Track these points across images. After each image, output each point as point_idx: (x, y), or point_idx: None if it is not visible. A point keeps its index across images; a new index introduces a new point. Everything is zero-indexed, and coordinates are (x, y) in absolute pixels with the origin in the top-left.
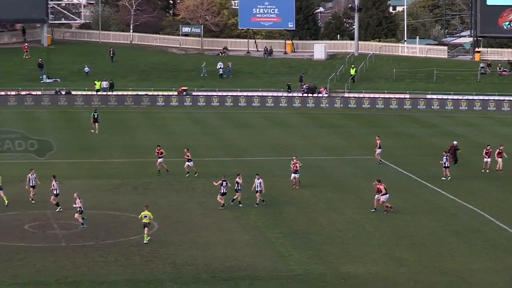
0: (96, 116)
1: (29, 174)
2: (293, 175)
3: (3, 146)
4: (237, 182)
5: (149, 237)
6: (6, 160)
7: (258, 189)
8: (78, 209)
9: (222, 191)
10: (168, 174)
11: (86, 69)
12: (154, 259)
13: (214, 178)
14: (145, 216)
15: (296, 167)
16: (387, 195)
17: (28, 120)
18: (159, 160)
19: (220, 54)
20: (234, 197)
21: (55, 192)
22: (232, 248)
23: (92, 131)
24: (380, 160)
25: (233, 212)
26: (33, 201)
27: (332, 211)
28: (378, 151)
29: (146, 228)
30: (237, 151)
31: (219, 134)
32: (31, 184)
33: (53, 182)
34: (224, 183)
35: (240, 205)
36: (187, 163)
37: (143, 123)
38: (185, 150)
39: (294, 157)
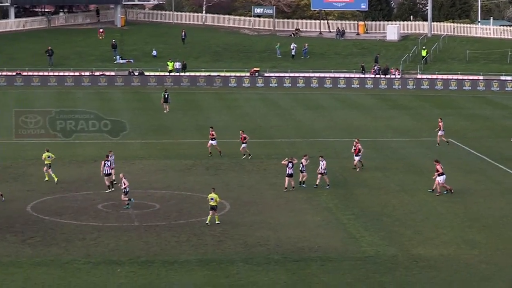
0: (166, 96)
1: (108, 156)
2: (355, 157)
3: (77, 126)
4: (301, 163)
5: (218, 221)
6: (80, 140)
7: (322, 171)
8: (124, 190)
9: (287, 172)
10: (221, 156)
11: (154, 52)
12: (225, 239)
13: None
14: (212, 199)
15: (358, 150)
16: (444, 176)
17: (101, 101)
18: (212, 142)
19: (292, 35)
20: (300, 179)
21: (106, 172)
22: (303, 229)
23: (165, 111)
24: (447, 141)
25: (304, 193)
26: (114, 182)
27: (404, 193)
28: (440, 133)
29: (212, 211)
30: (308, 132)
31: (291, 115)
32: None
33: (107, 160)
34: (290, 164)
35: (304, 186)
36: (243, 145)
37: (215, 104)
38: (240, 132)
39: (356, 140)
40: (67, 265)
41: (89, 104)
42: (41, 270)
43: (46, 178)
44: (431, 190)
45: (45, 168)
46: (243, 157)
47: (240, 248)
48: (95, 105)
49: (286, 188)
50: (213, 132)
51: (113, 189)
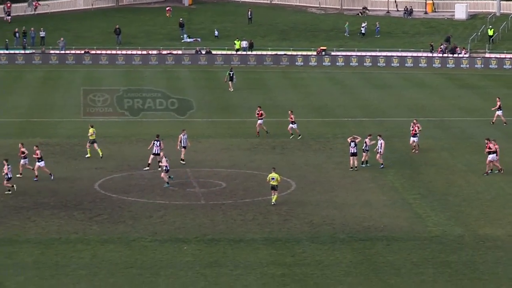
0: (231, 75)
1: (181, 135)
2: (412, 138)
3: (145, 104)
4: (365, 143)
5: (274, 202)
6: (147, 118)
7: (379, 150)
8: (164, 168)
9: (351, 151)
10: (268, 135)
11: (216, 32)
12: (291, 218)
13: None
14: (273, 178)
15: (415, 130)
16: (493, 155)
17: (168, 79)
18: (259, 121)
19: (360, 14)
20: (363, 158)
21: (154, 151)
22: (369, 208)
23: (230, 89)
24: (505, 122)
25: (370, 172)
26: (183, 162)
27: (471, 173)
28: (499, 112)
29: (273, 191)
30: (375, 111)
31: (358, 94)
32: (182, 145)
33: (156, 140)
34: (353, 143)
35: (368, 165)
36: (290, 125)
37: (282, 82)
38: (289, 112)
39: (414, 120)
40: (133, 242)
41: (156, 82)
42: (108, 247)
43: (88, 155)
44: (497, 171)
45: (88, 144)
46: (291, 137)
47: (305, 227)
48: (162, 84)
49: (351, 167)
50: (261, 112)
51: (147, 168)
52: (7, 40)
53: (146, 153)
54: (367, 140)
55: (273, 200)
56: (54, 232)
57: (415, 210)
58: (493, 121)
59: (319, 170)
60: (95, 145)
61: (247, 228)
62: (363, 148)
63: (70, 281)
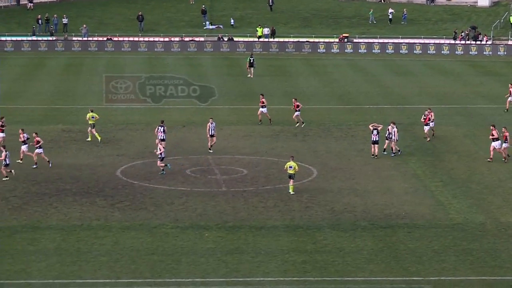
0: (252, 61)
1: (209, 123)
2: (425, 127)
3: (166, 91)
4: (388, 130)
5: (292, 192)
6: (169, 105)
7: (393, 138)
8: (159, 156)
9: (373, 139)
10: (271, 124)
11: (232, 21)
12: (312, 205)
13: None
14: (290, 167)
15: (428, 119)
16: (497, 142)
17: (190, 66)
18: (262, 109)
19: (382, 1)
20: (385, 146)
21: (160, 137)
22: (391, 196)
23: (249, 76)
24: None
25: (392, 160)
26: (210, 151)
27: (493, 161)
28: (510, 99)
29: (291, 180)
30: (397, 98)
31: (380, 81)
32: (210, 133)
33: (161, 126)
34: (375, 131)
35: (384, 153)
36: (296, 113)
37: (304, 69)
38: (293, 100)
39: (428, 109)
40: (155, 229)
41: (178, 69)
42: (129, 234)
43: (89, 139)
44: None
45: (89, 128)
46: (296, 125)
47: (327, 214)
48: (184, 71)
49: (373, 155)
50: (263, 100)
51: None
52: (34, 26)
53: (167, 140)
54: (389, 127)
55: (291, 190)
56: (76, 219)
57: (437, 197)
58: (507, 108)
59: (341, 157)
60: (93, 130)
61: (268, 215)
62: (386, 135)
63: (91, 267)
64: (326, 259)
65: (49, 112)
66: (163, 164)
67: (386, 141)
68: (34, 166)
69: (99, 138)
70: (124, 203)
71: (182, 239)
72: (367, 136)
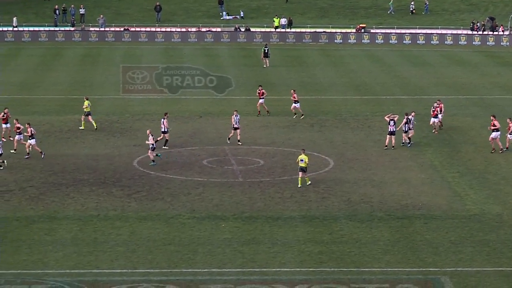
0: (266, 51)
1: (233, 116)
2: (432, 119)
3: (183, 82)
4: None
5: (309, 182)
6: (186, 96)
7: (405, 129)
8: (151, 146)
9: (389, 130)
10: (268, 115)
11: (241, 13)
12: (329, 196)
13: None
14: (301, 160)
15: (437, 111)
16: (497, 132)
17: (207, 57)
18: (260, 101)
19: None
20: (410, 135)
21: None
22: (407, 186)
23: (264, 66)
24: None
25: (409, 150)
26: (239, 143)
27: (511, 151)
28: None
29: (301, 172)
30: (414, 89)
31: (397, 72)
32: (234, 126)
33: (163, 118)
34: (392, 122)
35: (405, 144)
36: (293, 104)
37: (321, 60)
38: (292, 91)
39: (438, 100)
40: (172, 220)
41: (195, 60)
42: (146, 224)
43: (82, 127)
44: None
45: (83, 116)
46: (294, 116)
47: (343, 205)
48: (201, 61)
49: (386, 146)
50: (262, 91)
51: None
52: (56, 16)
53: (184, 130)
54: (409, 117)
55: (299, 184)
56: (92, 209)
57: (453, 188)
58: None
59: (357, 148)
60: (90, 117)
61: (285, 206)
62: (405, 128)
63: (108, 257)
64: (342, 250)
65: (66, 103)
66: (154, 154)
67: (404, 133)
68: (26, 157)
69: (95, 126)
70: (141, 193)
71: (198, 230)
72: (383, 126)
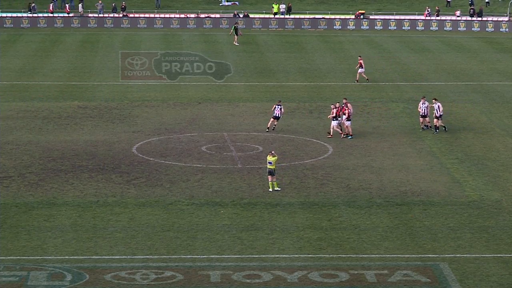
0: (237, 28)
1: (275, 105)
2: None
3: (182, 68)
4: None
5: (278, 188)
6: (185, 82)
7: (438, 115)
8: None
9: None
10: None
11: (223, 0)
12: (328, 182)
13: (389, 103)
14: (270, 162)
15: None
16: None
17: (206, 43)
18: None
19: None
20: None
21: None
22: (406, 173)
23: (234, 43)
24: None
25: (408, 137)
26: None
27: (509, 137)
28: None
29: (270, 176)
30: (413, 75)
31: (396, 58)
32: (274, 115)
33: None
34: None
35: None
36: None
37: (320, 46)
38: (359, 57)
39: (434, 99)
40: (170, 206)
41: (194, 46)
42: (145, 210)
43: None
44: None
45: None
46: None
47: (342, 191)
48: (200, 47)
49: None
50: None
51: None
52: (68, 4)
53: (183, 116)
54: (435, 105)
55: (270, 188)
56: (92, 195)
57: (452, 174)
58: None
59: (357, 134)
60: None
61: (284, 192)
62: (422, 113)
63: (107, 243)
64: (341, 236)
65: (65, 89)
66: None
67: (422, 118)
68: None
69: None
70: (140, 179)
71: (197, 216)
72: (382, 113)
